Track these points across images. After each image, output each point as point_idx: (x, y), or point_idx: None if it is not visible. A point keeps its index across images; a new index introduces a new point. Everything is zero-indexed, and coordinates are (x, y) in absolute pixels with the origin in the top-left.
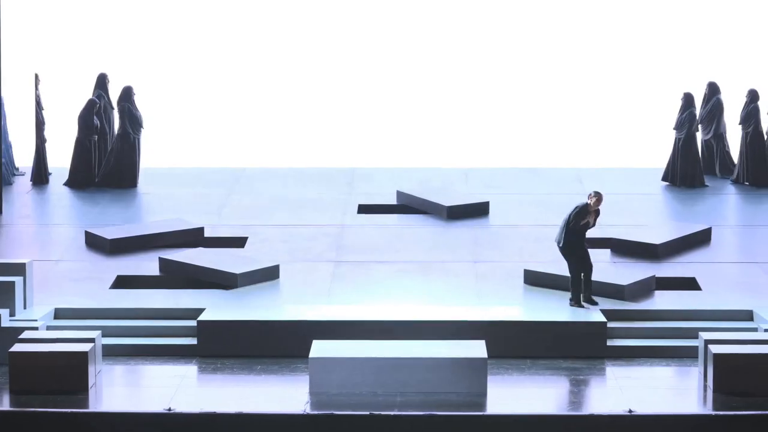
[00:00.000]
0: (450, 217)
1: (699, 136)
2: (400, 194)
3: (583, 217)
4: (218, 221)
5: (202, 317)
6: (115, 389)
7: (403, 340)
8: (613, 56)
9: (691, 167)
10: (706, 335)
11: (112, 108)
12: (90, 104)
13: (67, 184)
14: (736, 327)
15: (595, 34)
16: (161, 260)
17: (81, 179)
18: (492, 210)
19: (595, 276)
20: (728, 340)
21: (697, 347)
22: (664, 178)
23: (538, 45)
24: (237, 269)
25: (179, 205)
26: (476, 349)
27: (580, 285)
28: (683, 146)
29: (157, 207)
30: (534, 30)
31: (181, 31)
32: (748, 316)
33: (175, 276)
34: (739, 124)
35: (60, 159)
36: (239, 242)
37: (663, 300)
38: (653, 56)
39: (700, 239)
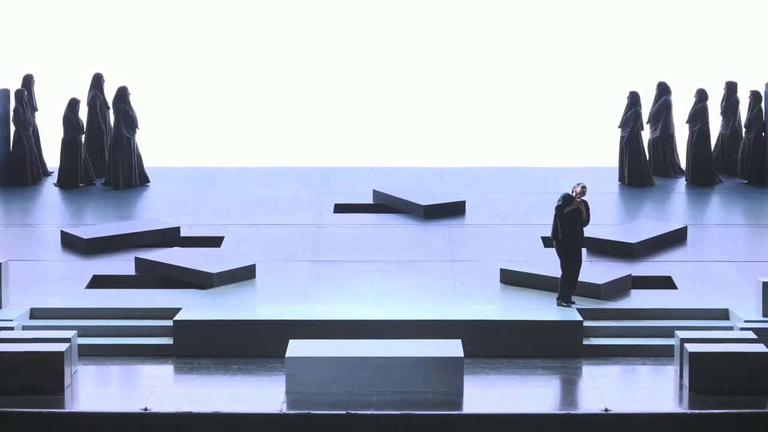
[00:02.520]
0: (426, 216)
1: (646, 134)
2: (376, 194)
3: (569, 203)
4: (194, 221)
5: (178, 317)
6: (90, 389)
7: (380, 339)
8: (586, 57)
9: (637, 166)
10: (682, 334)
11: (108, 108)
12: (72, 103)
13: (58, 184)
14: (712, 326)
15: (566, 36)
16: (137, 260)
17: (69, 180)
18: (468, 209)
19: None
20: (704, 339)
21: (673, 346)
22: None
23: (513, 46)
24: (213, 269)
25: (155, 204)
26: (453, 348)
27: (573, 284)
28: (627, 145)
29: (132, 206)
30: (508, 31)
31: (160, 34)
32: (724, 314)
33: (151, 276)
34: (687, 122)
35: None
36: (215, 242)
37: (639, 299)
38: (628, 57)
39: (676, 238)
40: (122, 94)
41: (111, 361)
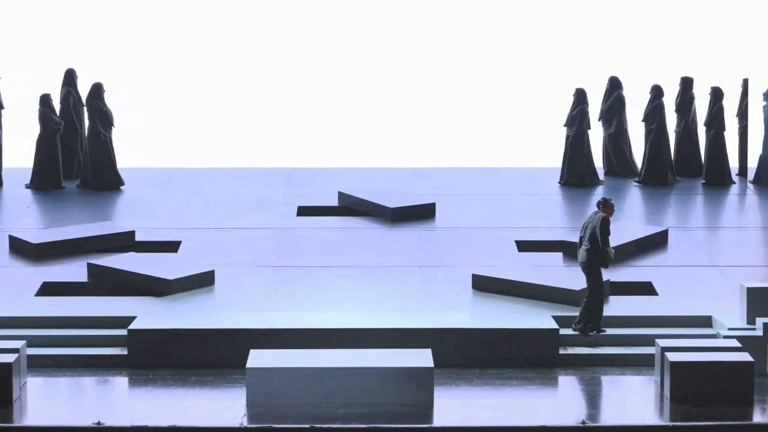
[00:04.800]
0: (394, 219)
1: (600, 131)
2: (341, 195)
3: (608, 225)
4: (150, 224)
5: (133, 326)
6: (40, 402)
7: (346, 348)
8: (559, 57)
9: (583, 165)
10: (662, 342)
11: (82, 105)
12: (45, 99)
13: (31, 185)
14: (694, 333)
15: (536, 36)
16: (90, 266)
17: (46, 180)
18: (438, 212)
19: (547, 281)
20: (686, 348)
21: (653, 355)
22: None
23: (484, 45)
24: (170, 275)
25: (109, 207)
26: (422, 357)
27: (600, 310)
28: (572, 144)
29: (84, 209)
30: (480, 31)
31: (125, 33)
32: (706, 322)
33: (105, 282)
34: (643, 121)
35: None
36: (172, 246)
37: (618, 306)
38: (606, 56)
39: (656, 242)
40: (97, 90)
41: (62, 373)
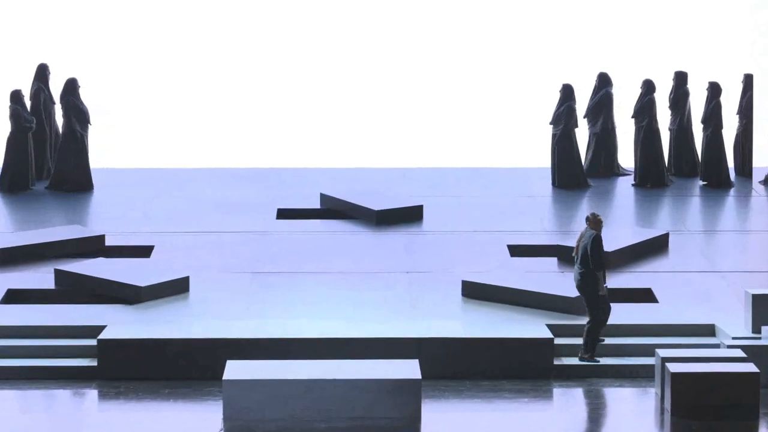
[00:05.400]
0: (380, 222)
1: (584, 130)
2: (323, 197)
3: (601, 245)
4: (122, 228)
5: (103, 335)
6: (6, 415)
7: (328, 359)
8: (553, 55)
9: (570, 166)
10: (663, 352)
11: (53, 102)
12: (16, 95)
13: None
14: (696, 343)
15: (528, 32)
16: (57, 272)
17: (15, 181)
18: (426, 214)
19: (540, 287)
20: (688, 358)
21: (653, 366)
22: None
23: (475, 42)
24: (142, 282)
25: (80, 209)
26: (409, 369)
27: (598, 334)
28: (559, 143)
29: (54, 212)
30: (469, 29)
31: (99, 27)
32: (709, 330)
33: (73, 290)
34: (632, 117)
35: None
36: (145, 251)
37: (616, 314)
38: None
39: (656, 246)
40: (71, 86)
41: (29, 385)
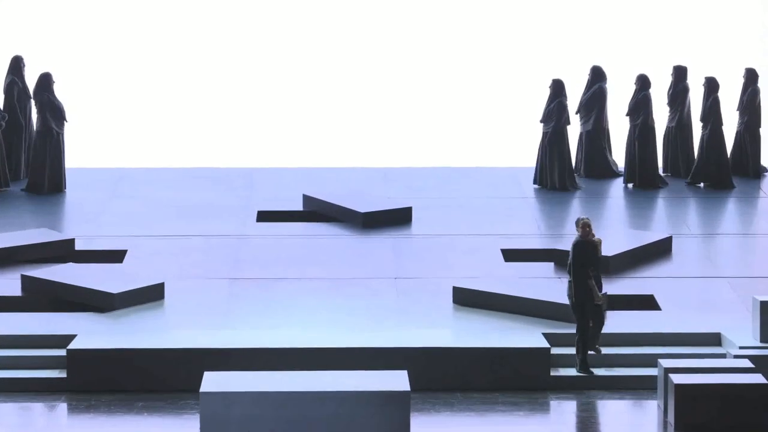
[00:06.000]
0: (366, 225)
1: (575, 128)
2: (307, 199)
3: (583, 253)
4: (93, 231)
5: (73, 345)
6: None
7: (312, 370)
8: (545, 52)
9: (560, 166)
10: (666, 363)
11: (29, 97)
12: None
13: None
14: (701, 353)
15: (520, 29)
16: (24, 278)
17: None
18: (415, 217)
19: (536, 294)
20: (692, 369)
21: (655, 377)
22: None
23: (464, 39)
24: (114, 288)
25: (50, 211)
26: (397, 380)
27: (587, 346)
28: (550, 142)
29: (21, 215)
30: (459, 25)
31: (75, 20)
32: (715, 339)
33: (41, 297)
34: (627, 115)
35: None
36: (117, 256)
37: (616, 322)
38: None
39: (659, 250)
40: (45, 81)
41: None
